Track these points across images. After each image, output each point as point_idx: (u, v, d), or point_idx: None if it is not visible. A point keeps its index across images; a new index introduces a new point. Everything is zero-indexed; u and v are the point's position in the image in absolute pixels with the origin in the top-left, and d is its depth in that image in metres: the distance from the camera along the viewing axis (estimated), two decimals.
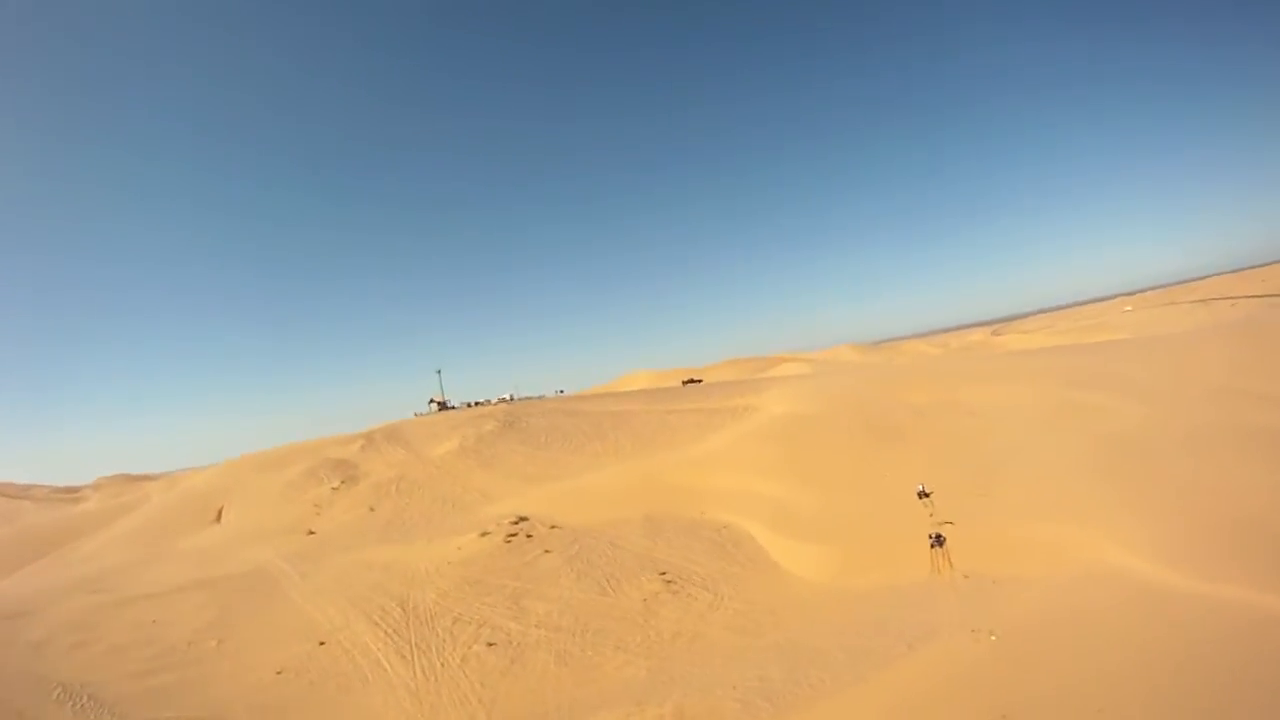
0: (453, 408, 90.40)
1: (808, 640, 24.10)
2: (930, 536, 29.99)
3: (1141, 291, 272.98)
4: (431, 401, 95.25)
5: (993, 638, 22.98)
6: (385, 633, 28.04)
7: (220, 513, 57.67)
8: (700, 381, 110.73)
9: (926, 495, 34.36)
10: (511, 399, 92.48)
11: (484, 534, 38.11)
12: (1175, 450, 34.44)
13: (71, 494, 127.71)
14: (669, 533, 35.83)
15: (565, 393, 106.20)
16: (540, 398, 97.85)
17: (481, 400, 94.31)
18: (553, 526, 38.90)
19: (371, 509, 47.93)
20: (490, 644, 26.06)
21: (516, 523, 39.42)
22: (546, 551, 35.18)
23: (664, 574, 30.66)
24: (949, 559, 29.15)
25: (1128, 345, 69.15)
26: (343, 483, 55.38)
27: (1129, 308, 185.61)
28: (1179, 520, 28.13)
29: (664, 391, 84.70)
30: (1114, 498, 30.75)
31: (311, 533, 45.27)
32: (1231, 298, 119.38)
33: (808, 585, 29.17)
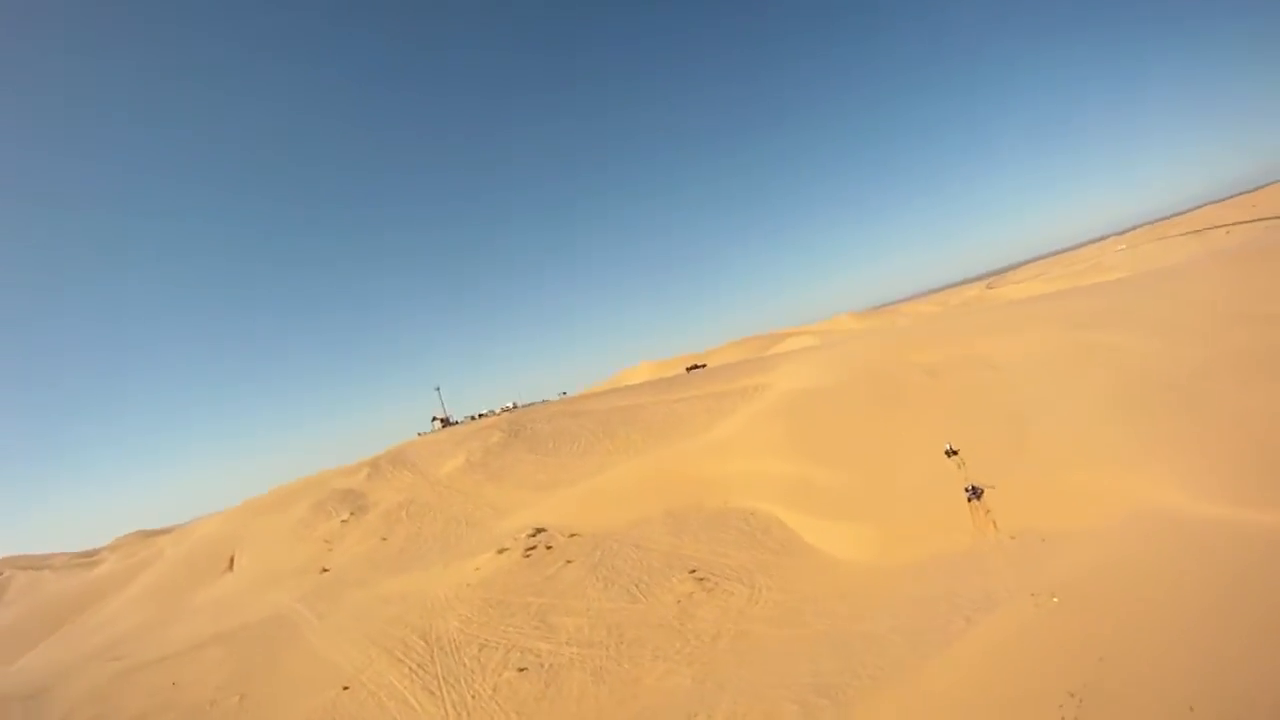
0: (456, 423, 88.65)
1: (857, 626, 22.57)
2: (966, 490, 28.76)
3: (1131, 229, 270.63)
4: (434, 419, 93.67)
5: (1054, 600, 21.49)
6: (410, 669, 26.53)
7: (232, 560, 56.15)
8: (704, 366, 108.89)
9: (954, 454, 32.95)
10: (515, 407, 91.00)
11: (501, 551, 36.63)
12: (1199, 380, 32.83)
13: (90, 558, 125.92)
14: (694, 527, 34.28)
15: (568, 394, 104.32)
16: (544, 402, 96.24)
17: (485, 412, 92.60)
18: (572, 535, 37.40)
19: (384, 538, 46.40)
20: (521, 669, 24.53)
21: (533, 535, 37.96)
22: (568, 562, 33.68)
23: (694, 571, 29.10)
24: (993, 520, 27.66)
25: (1130, 282, 67.29)
26: (352, 514, 53.86)
27: (1122, 246, 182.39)
28: (1219, 452, 26.54)
29: (669, 380, 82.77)
30: (1148, 437, 29.08)
31: (325, 570, 43.74)
32: (1224, 225, 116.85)
33: (848, 566, 27.64)
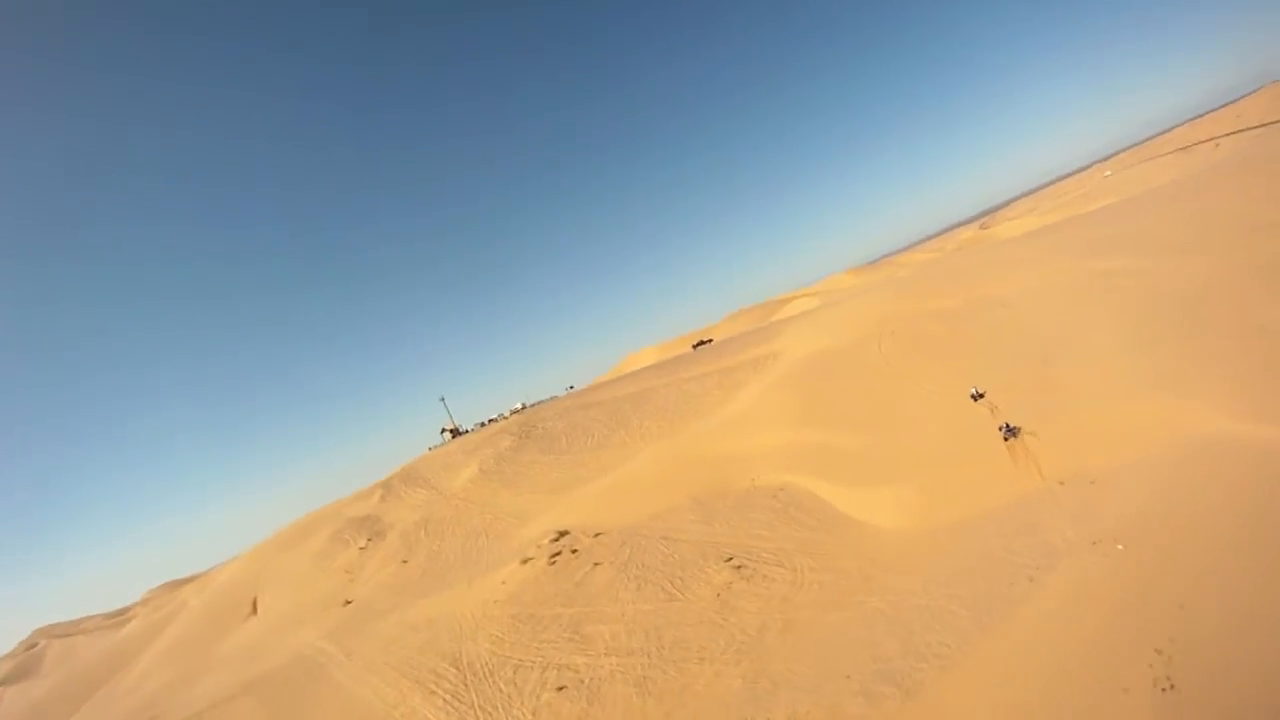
0: (467, 432, 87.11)
1: (913, 600, 21.05)
2: (1001, 429, 27.58)
3: (1117, 153, 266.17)
4: (444, 431, 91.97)
5: (1120, 547, 19.96)
6: (444, 700, 25.16)
7: (255, 603, 54.81)
8: (711, 341, 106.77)
9: (980, 396, 31.90)
10: (524, 407, 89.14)
11: (525, 560, 35.15)
12: (1216, 296, 31.50)
13: (121, 617, 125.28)
14: (723, 511, 32.78)
15: (575, 388, 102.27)
16: (552, 399, 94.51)
17: (495, 417, 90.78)
18: (596, 534, 35.87)
19: (404, 561, 45.24)
20: (560, 688, 23.12)
21: (557, 539, 36.37)
22: (596, 564, 32.21)
23: (730, 560, 27.62)
24: (1037, 465, 26.12)
25: (1129, 205, 65.09)
26: (369, 540, 52.66)
27: (1108, 172, 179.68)
28: (1250, 367, 25.00)
29: (676, 361, 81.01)
30: (1176, 360, 27.61)
31: (348, 602, 42.58)
32: (1212, 139, 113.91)
33: (891, 535, 26.12)
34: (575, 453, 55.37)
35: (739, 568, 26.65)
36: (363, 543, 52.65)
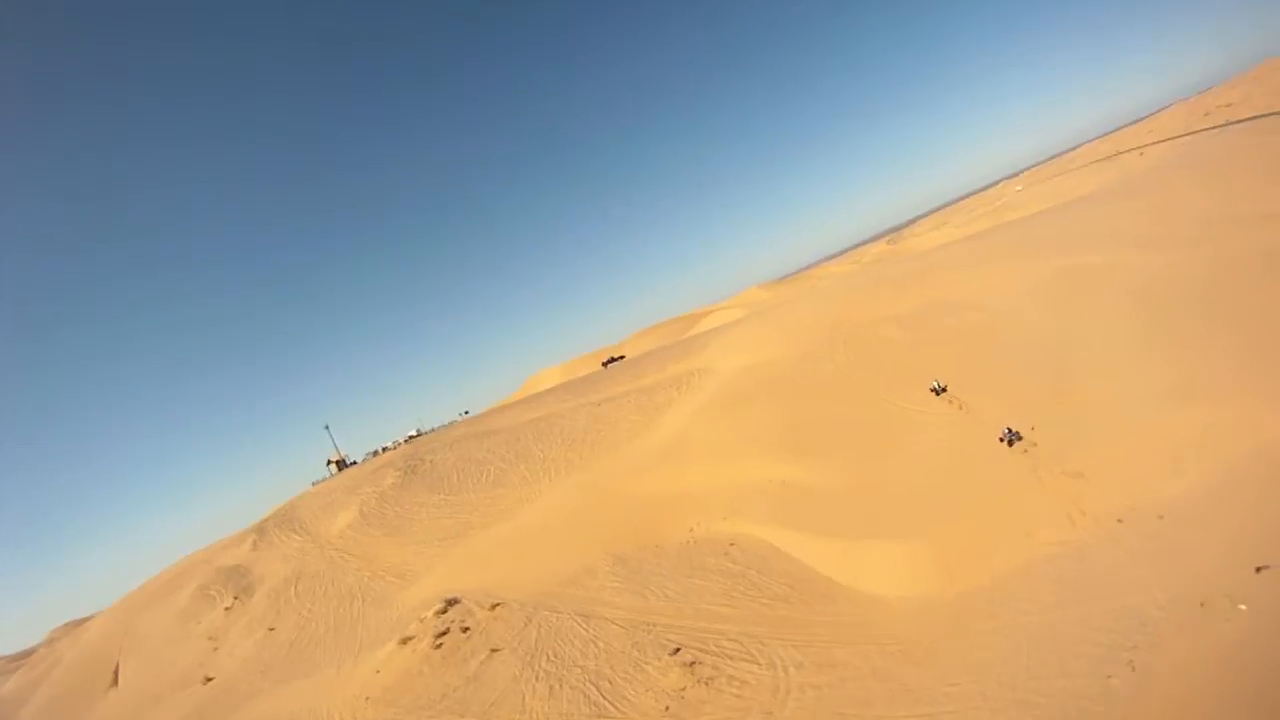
0: (354, 463, 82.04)
1: (964, 712, 14.66)
2: (1003, 436, 24.32)
3: (1022, 171, 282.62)
4: (330, 462, 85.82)
5: (1241, 608, 14.55)
6: None
7: (116, 671, 47.11)
8: (623, 358, 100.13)
9: (943, 390, 30.10)
10: (419, 434, 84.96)
11: (405, 640, 27.72)
12: (1222, 289, 28.83)
13: (24, 659, 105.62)
14: (658, 575, 25.71)
15: (471, 414, 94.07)
16: (445, 426, 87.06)
17: (389, 445, 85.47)
18: (494, 606, 28.34)
19: (271, 629, 39.54)
20: None
21: (444, 611, 28.99)
22: (494, 651, 24.55)
23: (678, 652, 20.32)
24: (1075, 500, 20.74)
25: (1083, 204, 64.82)
26: (236, 598, 47.08)
27: (1019, 187, 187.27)
28: None
29: (585, 381, 73.75)
30: (1210, 359, 23.97)
31: (209, 679, 36.94)
32: (1138, 148, 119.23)
33: (902, 607, 19.85)
34: (468, 492, 48.49)
35: (692, 664, 19.42)
36: (229, 601, 46.93)
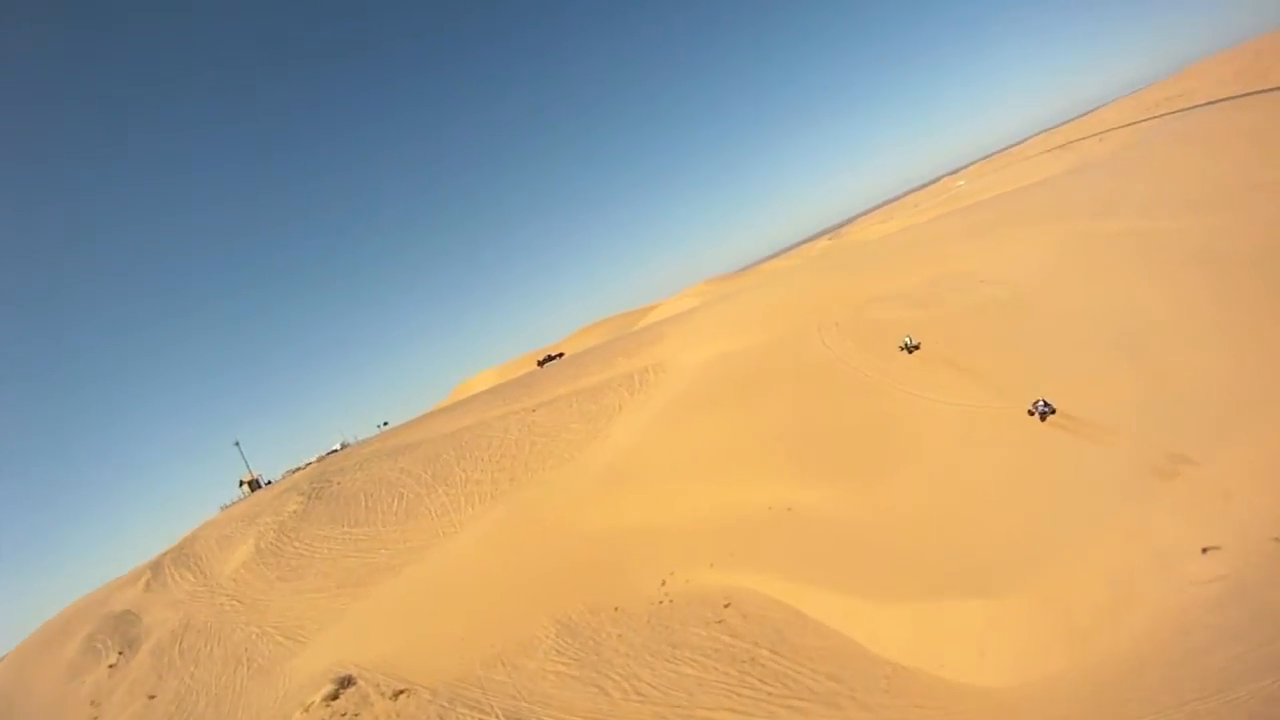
0: (269, 484, 76.67)
1: None
2: (1033, 408, 21.08)
3: (964, 167, 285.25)
4: (242, 483, 80.00)
5: None
6: None
7: None
8: (561, 356, 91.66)
9: (915, 348, 28.27)
10: (343, 447, 79.45)
11: None
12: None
13: None
14: (622, 656, 18.31)
15: (389, 425, 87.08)
16: (359, 442, 79.46)
17: (312, 461, 79.72)
18: (397, 693, 21.90)
19: (151, 696, 34.84)
20: None
21: (334, 697, 23.69)
22: None
23: None
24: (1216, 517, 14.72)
25: (1093, 171, 60.63)
26: (121, 654, 41.84)
27: (961, 181, 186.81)
28: None
29: (518, 383, 65.65)
30: None
31: None
32: (1096, 134, 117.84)
33: (1017, 698, 12.98)
34: (375, 523, 42.68)
35: None
36: (114, 657, 41.86)
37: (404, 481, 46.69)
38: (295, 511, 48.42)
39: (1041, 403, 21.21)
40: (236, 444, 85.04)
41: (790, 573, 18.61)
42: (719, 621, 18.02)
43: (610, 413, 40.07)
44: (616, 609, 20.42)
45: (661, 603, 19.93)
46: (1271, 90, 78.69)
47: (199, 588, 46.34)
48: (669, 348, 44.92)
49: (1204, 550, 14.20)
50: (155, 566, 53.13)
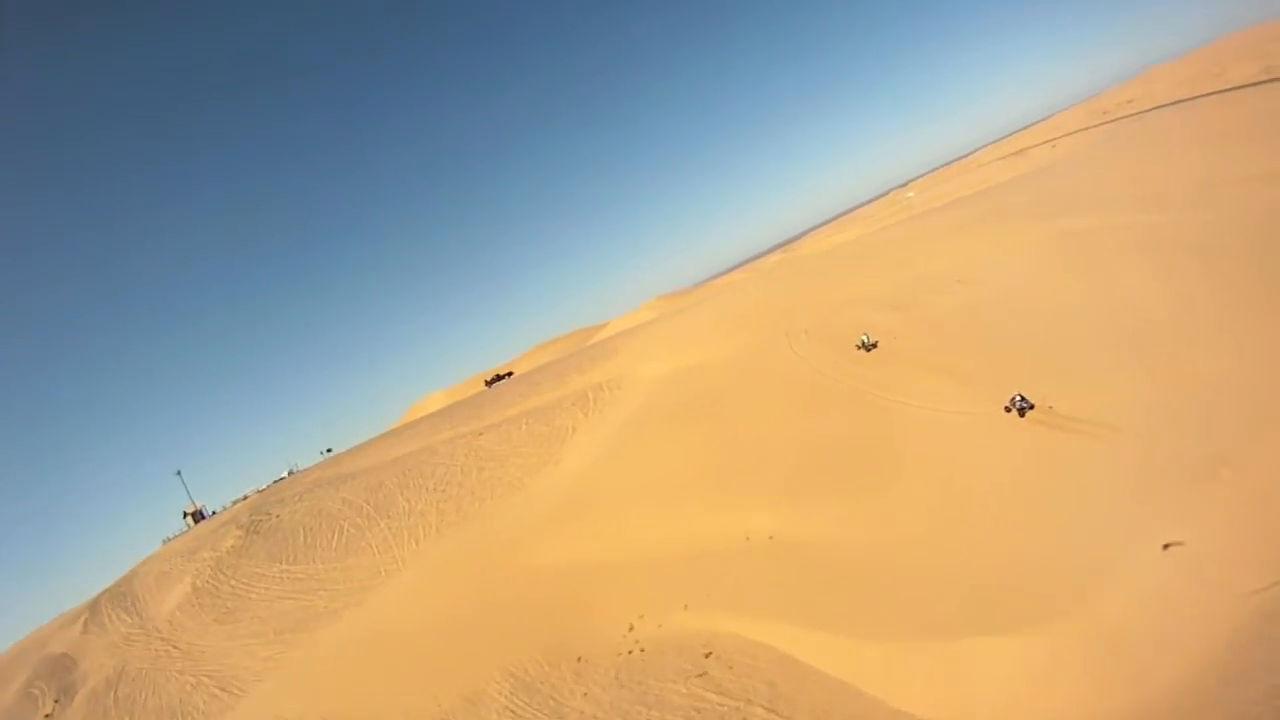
0: (214, 514, 73.78)
1: None
2: (1011, 404, 20.30)
3: (912, 179, 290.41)
4: (185, 515, 76.90)
5: None
6: None
7: None
8: (510, 375, 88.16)
9: (873, 346, 27.73)
10: (291, 474, 77.15)
11: None
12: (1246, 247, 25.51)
13: None
14: (588, 716, 15.51)
15: (333, 451, 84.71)
16: (300, 470, 78.23)
17: (256, 489, 76.84)
18: None
19: None
20: None
21: None
22: None
23: None
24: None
25: (1054, 172, 60.56)
26: (57, 702, 40.22)
27: (911, 193, 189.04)
28: None
29: (465, 405, 62.43)
30: None
31: None
32: (1048, 141, 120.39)
33: None
34: (315, 560, 40.51)
35: None
36: (49, 705, 40.29)
37: (344, 514, 44.15)
38: (233, 547, 46.24)
39: (1018, 397, 20.20)
40: (178, 473, 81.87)
41: (779, 612, 16.03)
42: (700, 675, 15.30)
43: (563, 434, 37.49)
44: (579, 659, 17.54)
45: (631, 652, 17.12)
46: (1229, 90, 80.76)
47: (135, 630, 44.21)
48: (625, 362, 42.47)
49: (1165, 546, 13.32)
50: (94, 606, 51.29)
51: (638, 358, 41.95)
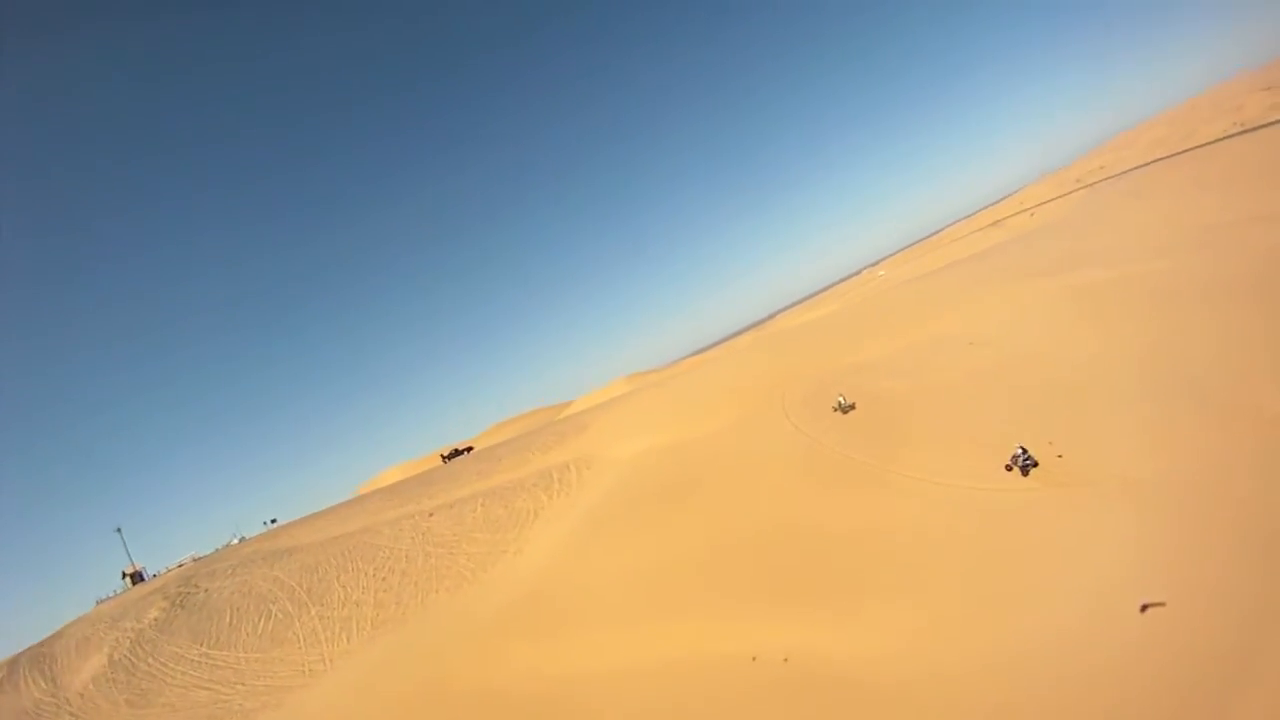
0: (154, 577, 71.17)
1: None
2: (1013, 460, 18.73)
3: (884, 258, 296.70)
4: (124, 575, 75.54)
5: None
6: None
7: None
8: (470, 450, 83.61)
9: (850, 408, 26.36)
10: (240, 540, 74.89)
11: None
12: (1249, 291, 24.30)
13: None
14: None
15: (277, 522, 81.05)
16: (241, 540, 75.26)
17: (208, 552, 75.13)
18: None
19: None
20: None
21: None
22: None
23: None
24: None
25: (1042, 234, 60.33)
26: None
27: (882, 272, 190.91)
28: None
29: (419, 481, 57.95)
30: None
31: None
32: (1025, 210, 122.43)
33: None
34: (237, 647, 37.08)
35: None
36: None
37: (275, 596, 40.88)
38: (156, 620, 43.44)
39: (1021, 453, 18.75)
40: (118, 530, 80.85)
41: None
42: None
43: (523, 519, 33.72)
44: None
45: None
46: (1201, 146, 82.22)
47: (47, 698, 41.49)
48: (595, 438, 38.86)
49: (1143, 608, 12.44)
50: (13, 665, 48.81)
51: (610, 434, 38.43)
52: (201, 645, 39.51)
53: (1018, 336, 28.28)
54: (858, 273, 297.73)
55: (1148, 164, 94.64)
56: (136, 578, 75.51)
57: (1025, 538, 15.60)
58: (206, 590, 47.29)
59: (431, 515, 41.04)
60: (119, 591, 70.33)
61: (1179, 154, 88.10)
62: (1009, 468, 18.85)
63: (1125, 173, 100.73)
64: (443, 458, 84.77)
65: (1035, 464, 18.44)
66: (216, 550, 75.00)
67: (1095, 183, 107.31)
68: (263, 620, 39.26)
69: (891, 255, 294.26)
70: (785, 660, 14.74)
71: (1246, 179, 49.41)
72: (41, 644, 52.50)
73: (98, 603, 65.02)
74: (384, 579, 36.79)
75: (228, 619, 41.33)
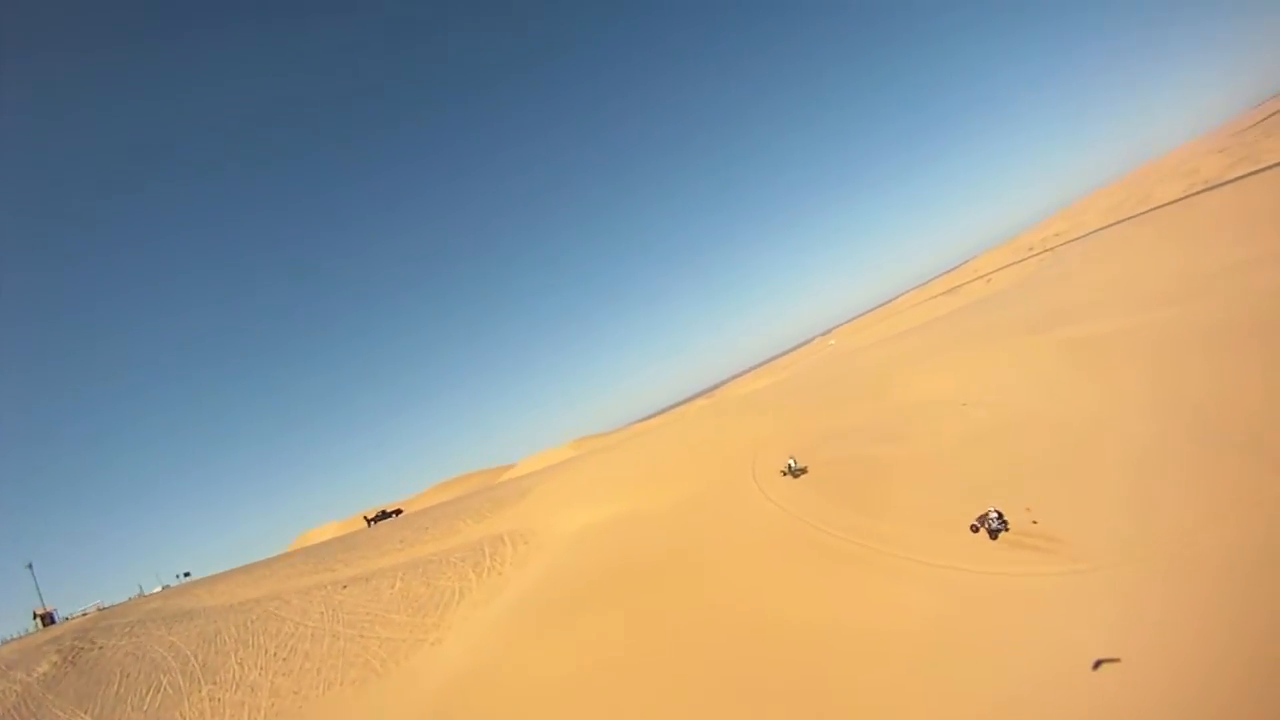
0: (66, 620, 68.23)
1: None
2: (981, 521, 17.49)
3: (833, 328, 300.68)
4: (35, 616, 71.27)
5: None
6: None
7: None
8: (399, 513, 77.68)
9: (801, 472, 25.11)
10: (189, 575, 76.74)
11: None
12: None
13: None
14: None
15: (190, 576, 77.62)
16: (141, 595, 72.60)
17: (141, 595, 72.78)
18: None
19: None
20: None
21: None
22: None
23: None
24: None
25: (1006, 297, 59.80)
26: None
27: (833, 342, 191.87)
28: None
29: (337, 545, 52.59)
30: None
31: None
32: (981, 277, 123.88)
33: None
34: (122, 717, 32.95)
35: None
36: None
37: (168, 665, 37.04)
38: (45, 675, 39.33)
39: (994, 514, 17.67)
40: (29, 566, 77.51)
41: None
42: None
43: (446, 601, 29.72)
44: None
45: None
46: (1161, 207, 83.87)
47: None
48: (537, 507, 34.98)
49: (1096, 665, 12.11)
50: None
51: (552, 503, 34.62)
52: (85, 713, 35.13)
53: (1014, 396, 26.51)
54: (807, 342, 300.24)
55: (1108, 225, 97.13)
56: (47, 619, 71.13)
57: (1003, 636, 12.75)
58: (101, 648, 42.92)
59: (345, 587, 36.49)
60: (27, 633, 66.13)
61: (1140, 214, 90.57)
62: (975, 528, 17.85)
63: (1085, 236, 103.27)
64: (367, 520, 79.35)
65: (1006, 528, 17.30)
66: (125, 601, 70.39)
67: (1055, 247, 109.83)
68: (150, 693, 35.15)
69: (840, 325, 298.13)
70: None
71: (1229, 224, 49.90)
72: None
73: (3, 643, 59.94)
74: (285, 660, 32.90)
75: (116, 686, 37.10)
